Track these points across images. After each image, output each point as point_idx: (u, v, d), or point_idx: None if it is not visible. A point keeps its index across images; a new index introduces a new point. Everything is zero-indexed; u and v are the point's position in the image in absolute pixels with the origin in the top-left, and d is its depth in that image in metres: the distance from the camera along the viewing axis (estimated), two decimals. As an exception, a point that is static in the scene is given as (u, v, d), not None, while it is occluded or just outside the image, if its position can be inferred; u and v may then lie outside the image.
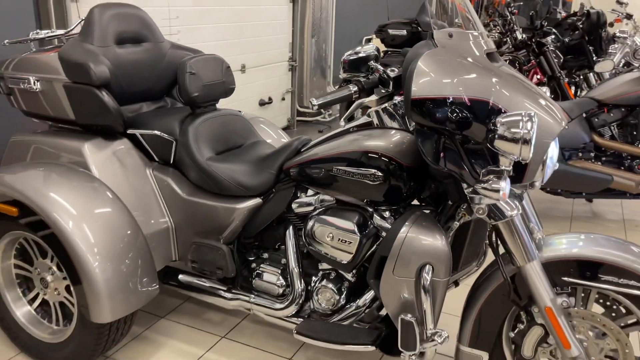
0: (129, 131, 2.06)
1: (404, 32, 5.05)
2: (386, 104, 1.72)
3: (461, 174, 1.48)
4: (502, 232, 1.60)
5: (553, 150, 1.57)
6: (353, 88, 1.56)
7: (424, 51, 1.45)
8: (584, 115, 3.34)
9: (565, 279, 1.62)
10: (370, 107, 1.61)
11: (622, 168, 3.28)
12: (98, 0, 3.15)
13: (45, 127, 2.30)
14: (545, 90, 1.63)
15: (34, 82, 2.06)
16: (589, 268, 1.60)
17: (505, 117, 1.35)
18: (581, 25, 4.94)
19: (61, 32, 2.31)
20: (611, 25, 6.36)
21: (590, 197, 3.59)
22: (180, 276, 2.13)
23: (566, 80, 4.75)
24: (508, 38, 5.27)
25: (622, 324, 1.64)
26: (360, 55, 1.60)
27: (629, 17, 5.72)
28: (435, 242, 1.57)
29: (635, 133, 3.25)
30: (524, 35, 4.85)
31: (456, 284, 1.98)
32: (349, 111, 1.57)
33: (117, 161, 2.04)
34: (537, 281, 1.59)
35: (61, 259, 1.79)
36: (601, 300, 1.66)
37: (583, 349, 1.63)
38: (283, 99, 5.30)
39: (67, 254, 1.74)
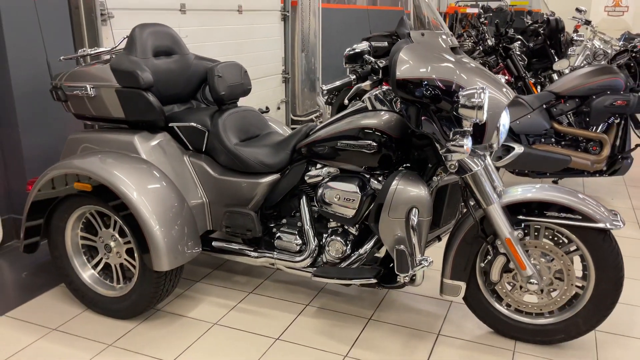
0: (170, 124, 2.53)
1: (385, 43, 5.60)
2: (377, 92, 2.23)
3: (435, 135, 1.98)
4: (470, 183, 2.10)
5: (504, 119, 2.09)
6: (352, 76, 2.07)
7: (404, 46, 1.97)
8: (544, 106, 3.88)
9: (520, 217, 2.12)
10: (366, 91, 2.11)
11: (579, 150, 3.82)
12: (123, 22, 3.66)
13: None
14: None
15: (90, 89, 2.52)
16: (538, 208, 2.10)
17: (465, 91, 1.86)
18: (543, 31, 5.54)
19: (107, 48, 2.80)
20: (575, 31, 7.00)
21: (555, 178, 4.12)
22: (214, 243, 2.59)
23: (532, 80, 5.33)
24: (480, 46, 5.85)
25: (566, 251, 2.13)
26: (357, 50, 2.11)
27: (587, 23, 6.32)
28: (419, 190, 2.06)
29: (588, 119, 3.79)
30: (493, 41, 5.43)
31: (439, 239, 2.47)
32: (350, 92, 2.08)
33: (161, 149, 2.51)
34: (499, 219, 2.09)
35: (127, 223, 2.24)
36: (547, 233, 2.16)
37: (536, 271, 2.12)
38: (279, 108, 5.81)
39: (133, 219, 2.20)
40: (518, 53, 5.30)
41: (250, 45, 5.16)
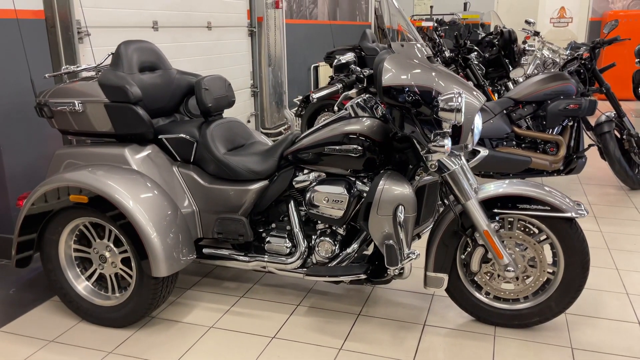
0: (160, 136, 2.62)
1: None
2: (359, 100, 2.39)
3: (417, 137, 2.15)
4: (449, 181, 2.28)
5: (477, 121, 2.28)
6: (339, 85, 2.22)
7: (387, 56, 2.14)
8: (505, 111, 4.14)
9: (495, 210, 2.31)
10: (352, 98, 2.27)
11: (538, 151, 4.09)
12: (99, 39, 3.71)
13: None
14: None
15: (78, 105, 2.58)
16: (511, 201, 2.30)
17: (444, 96, 2.04)
18: (497, 42, 5.88)
19: (92, 65, 2.86)
20: (524, 42, 7.42)
21: (517, 179, 4.38)
22: (205, 250, 2.67)
23: (490, 87, 5.64)
24: (438, 58, 6.14)
25: (537, 240, 2.33)
26: (342, 62, 2.27)
27: (536, 34, 6.72)
28: (403, 189, 2.22)
29: (544, 123, 4.07)
30: (452, 53, 5.72)
31: (418, 236, 2.64)
32: (340, 98, 2.23)
33: (151, 161, 2.59)
34: (476, 213, 2.27)
35: (123, 232, 2.31)
36: (519, 225, 2.35)
37: (512, 260, 2.31)
38: (249, 121, 5.92)
39: (129, 228, 2.27)
40: (476, 62, 5.61)
41: (219, 60, 5.27)
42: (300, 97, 5.86)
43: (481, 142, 4.07)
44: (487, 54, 5.99)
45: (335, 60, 2.22)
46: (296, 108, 5.74)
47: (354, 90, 2.24)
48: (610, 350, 2.25)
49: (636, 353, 2.23)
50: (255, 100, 6.05)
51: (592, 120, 4.40)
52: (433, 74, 2.14)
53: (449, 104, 2.02)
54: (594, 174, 4.90)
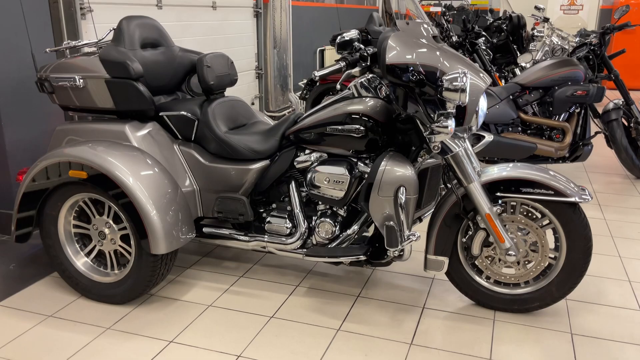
0: (161, 113, 2.59)
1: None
2: (362, 79, 2.35)
3: (421, 117, 2.12)
4: (452, 163, 2.25)
5: (482, 103, 2.24)
6: (342, 63, 2.18)
7: (391, 34, 2.10)
8: (511, 97, 4.09)
9: (498, 194, 2.28)
10: (356, 77, 2.23)
11: (544, 138, 4.05)
12: (102, 16, 3.68)
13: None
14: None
15: (78, 80, 2.56)
16: (514, 185, 2.27)
17: (448, 75, 2.00)
18: (505, 28, 5.79)
19: (94, 41, 2.83)
20: (533, 28, 7.33)
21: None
22: (205, 229, 2.66)
23: (497, 73, 5.57)
24: (445, 43, 6.06)
25: (539, 225, 2.31)
26: (346, 38, 2.23)
27: (546, 20, 6.62)
28: (405, 170, 2.19)
29: (551, 109, 4.02)
30: (459, 38, 5.65)
31: (420, 220, 2.62)
32: (342, 77, 2.19)
33: (151, 138, 2.57)
34: (479, 196, 2.24)
35: (123, 209, 2.30)
36: (522, 210, 2.32)
37: (513, 244, 2.29)
38: (252, 103, 5.88)
39: (129, 205, 2.26)
40: (484, 48, 5.54)
41: (224, 41, 5.22)
42: (305, 80, 5.82)
43: (486, 128, 4.03)
44: (495, 40, 5.91)
45: (338, 37, 2.18)
46: (301, 91, 5.70)
47: (357, 69, 2.21)
48: (610, 336, 2.24)
49: (637, 340, 2.21)
50: (260, 83, 6.00)
51: (599, 108, 4.35)
52: (438, 53, 2.10)
53: (454, 83, 1.98)
54: (600, 162, 4.86)
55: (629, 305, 2.47)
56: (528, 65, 5.23)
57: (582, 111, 4.04)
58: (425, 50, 2.10)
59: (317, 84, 5.44)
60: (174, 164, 2.60)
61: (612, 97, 5.07)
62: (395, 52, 2.08)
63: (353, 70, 2.20)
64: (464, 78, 1.98)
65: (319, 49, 7.70)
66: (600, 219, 3.51)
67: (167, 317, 2.36)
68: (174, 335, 2.23)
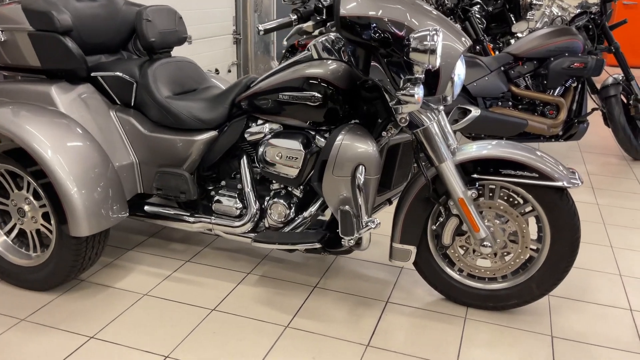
0: (93, 73, 2.26)
1: None
2: (323, 39, 2.01)
3: (385, 84, 1.79)
4: (422, 139, 1.94)
5: (460, 69, 1.92)
6: (293, 16, 1.84)
7: (349, -18, 1.76)
8: (502, 68, 3.75)
9: (475, 175, 1.98)
10: (308, 32, 1.90)
11: (536, 114, 3.73)
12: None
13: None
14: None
15: (0, 33, 2.21)
16: (494, 165, 1.96)
17: (417, 32, 1.67)
18: (502, -5, 5.40)
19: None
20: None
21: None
22: (147, 207, 2.35)
23: (490, 44, 5.21)
24: (439, 8, 5.68)
25: (521, 212, 2.01)
26: (298, -14, 1.89)
27: (546, -12, 6.22)
28: (366, 146, 1.88)
29: (545, 82, 3.69)
30: (453, 4, 5.26)
31: (389, 202, 2.32)
32: (289, 34, 1.86)
33: (83, 103, 2.24)
34: (452, 178, 1.94)
35: (41, 184, 1.99)
36: (502, 194, 2.02)
37: (490, 233, 2.00)
38: (229, 71, 5.51)
39: (47, 178, 1.95)
40: (477, 16, 5.16)
41: (197, 1, 4.82)
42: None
43: (474, 101, 3.70)
44: (491, 7, 5.53)
45: (287, -16, 1.84)
46: (282, 58, 5.33)
47: (309, 23, 1.87)
48: (595, 340, 1.97)
49: (624, 344, 1.94)
50: (238, 48, 5.61)
51: (597, 84, 4.01)
52: (407, 6, 1.77)
53: (423, 43, 1.65)
54: (596, 142, 4.55)
55: (618, 304, 2.19)
56: (523, 35, 4.87)
57: (579, 86, 3.72)
58: (390, 2, 1.76)
59: (298, 50, 5.08)
60: (109, 132, 2.28)
61: (610, 73, 4.73)
62: (353, 4, 1.74)
63: (305, 25, 1.86)
64: (435, 37, 1.65)
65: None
66: (592, 204, 3.22)
67: (94, 307, 2.07)
68: (96, 330, 1.94)
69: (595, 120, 4.67)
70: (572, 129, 3.75)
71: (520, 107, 3.75)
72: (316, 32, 2.04)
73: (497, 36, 5.55)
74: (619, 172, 3.82)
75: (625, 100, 4.02)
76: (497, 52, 5.47)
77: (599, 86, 4.01)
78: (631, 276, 2.41)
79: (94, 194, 2.02)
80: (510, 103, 3.74)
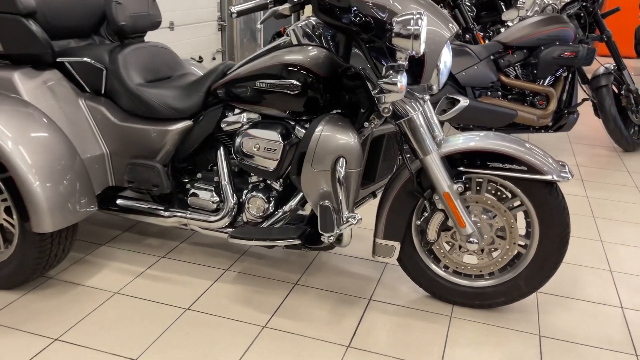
0: (59, 59, 2.13)
1: None
2: (303, 23, 1.90)
3: (366, 72, 1.69)
4: (406, 130, 1.84)
5: (446, 56, 1.81)
6: (268, -3, 1.73)
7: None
8: (492, 57, 3.66)
9: (461, 169, 1.89)
10: (284, 15, 1.78)
11: (525, 104, 3.64)
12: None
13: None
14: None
15: (-42, 15, 2.08)
16: (481, 158, 1.87)
17: (400, 16, 1.56)
18: (492, -18, 5.29)
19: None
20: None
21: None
22: (119, 201, 2.24)
23: (480, 33, 5.11)
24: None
25: (509, 207, 1.92)
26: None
27: (537, -24, 6.11)
28: (347, 137, 1.78)
29: (535, 72, 3.60)
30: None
31: (374, 195, 2.22)
32: (265, 16, 1.75)
33: (49, 91, 2.11)
34: (437, 171, 1.85)
35: (1, 177, 1.87)
36: (489, 188, 1.93)
37: (477, 228, 1.91)
38: (214, 58, 5.37)
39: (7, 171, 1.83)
40: (467, 4, 5.06)
41: (180, -14, 4.67)
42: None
43: (462, 91, 3.61)
44: (482, -5, 5.43)
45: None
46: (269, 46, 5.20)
47: (286, 5, 1.76)
48: (585, 339, 1.89)
49: (615, 344, 1.87)
50: (223, 35, 5.47)
51: (588, 73, 3.93)
52: (390, -11, 1.66)
53: (407, 27, 1.55)
54: (586, 133, 4.48)
55: (608, 301, 2.12)
56: (514, 23, 4.78)
57: (570, 75, 3.63)
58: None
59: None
60: (78, 122, 2.16)
61: (602, 63, 4.65)
62: (332, -16, 1.63)
63: (281, 8, 1.75)
64: (419, 21, 1.55)
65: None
66: (582, 197, 3.15)
67: (60, 307, 1.97)
68: (61, 331, 1.83)
69: (585, 110, 4.61)
70: (562, 119, 3.67)
71: (509, 97, 3.67)
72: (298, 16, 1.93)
73: (487, 25, 5.45)
74: (609, 163, 3.76)
75: (616, 91, 3.95)
76: (486, 41, 5.38)
77: (589, 76, 3.93)
78: (622, 272, 2.34)
79: (59, 187, 1.90)
80: (499, 93, 3.65)
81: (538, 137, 4.28)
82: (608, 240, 2.63)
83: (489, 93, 3.64)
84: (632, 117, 3.98)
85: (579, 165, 3.72)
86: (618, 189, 3.29)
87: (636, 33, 7.39)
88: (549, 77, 3.63)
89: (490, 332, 1.92)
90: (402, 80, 1.61)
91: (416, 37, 1.54)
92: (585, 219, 2.86)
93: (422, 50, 1.57)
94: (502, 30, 5.32)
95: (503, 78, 3.62)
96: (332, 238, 1.82)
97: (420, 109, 1.83)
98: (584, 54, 3.50)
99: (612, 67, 3.88)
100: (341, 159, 1.77)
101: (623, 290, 2.20)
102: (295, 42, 1.93)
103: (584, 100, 3.81)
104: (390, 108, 1.76)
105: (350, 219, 1.77)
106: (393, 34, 1.57)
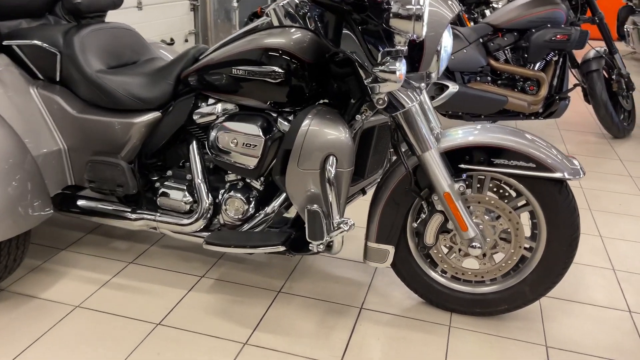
0: (5, 42, 1.87)
1: None
2: (284, 2, 1.68)
3: (359, 58, 1.48)
4: (402, 123, 1.65)
5: (446, 41, 1.62)
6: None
7: None
8: (481, 40, 3.47)
9: (462, 166, 1.70)
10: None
11: (516, 90, 3.47)
12: None
13: None
14: None
15: None
16: (484, 154, 1.69)
17: (399, -5, 1.36)
18: (478, -40, 5.10)
19: None
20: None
21: (489, 121, 3.78)
22: (80, 202, 2.01)
23: (465, 14, 4.92)
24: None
25: (514, 207, 1.75)
26: None
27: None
28: (338, 133, 1.57)
29: (526, 56, 3.43)
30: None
31: (363, 192, 2.03)
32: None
33: (-6, 78, 1.85)
34: (436, 168, 1.66)
35: None
36: (492, 186, 1.76)
37: (479, 231, 1.73)
38: (186, 40, 5.07)
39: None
40: (452, -16, 4.86)
41: (147, -38, 4.35)
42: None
43: (451, 76, 3.42)
44: (466, -25, 5.23)
45: None
46: (244, 26, 4.92)
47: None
48: (594, 350, 1.74)
49: (627, 353, 1.73)
50: (196, 16, 5.16)
51: (578, 57, 3.78)
52: (386, -38, 1.44)
53: (406, 7, 1.34)
54: (574, 119, 4.35)
55: (615, 304, 1.98)
56: (500, 5, 4.60)
57: (560, 59, 3.48)
58: (367, -44, 1.44)
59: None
60: (29, 113, 1.90)
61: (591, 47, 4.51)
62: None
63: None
64: (421, 1, 1.34)
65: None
66: (576, 187, 3.01)
67: (13, 324, 1.73)
68: (14, 353, 1.61)
69: (573, 95, 4.47)
70: (553, 106, 3.52)
71: (499, 82, 3.50)
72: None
73: (471, 5, 5.26)
74: (600, 151, 3.63)
75: (607, 75, 3.81)
76: (472, 23, 5.20)
77: (579, 60, 3.78)
78: (625, 270, 2.20)
79: (7, 189, 1.66)
80: (489, 78, 3.48)
81: (527, 124, 4.13)
82: (607, 235, 2.49)
83: (479, 78, 3.46)
84: (623, 102, 3.86)
85: (570, 153, 3.58)
86: (612, 179, 3.16)
87: (619, 14, 7.28)
88: (539, 62, 3.47)
89: (493, 343, 1.76)
90: (401, 68, 1.41)
91: (418, 18, 1.34)
92: (581, 212, 2.72)
93: (424, 33, 1.37)
94: (487, 12, 5.14)
95: (493, 62, 3.45)
96: (321, 247, 1.62)
97: (417, 99, 1.63)
98: (576, 37, 3.34)
99: (603, 51, 3.74)
100: (331, 157, 1.57)
101: (629, 292, 2.06)
102: (276, 23, 1.71)
103: (575, 85, 3.67)
104: (385, 99, 1.56)
105: (342, 225, 1.58)
106: (391, 15, 1.36)
